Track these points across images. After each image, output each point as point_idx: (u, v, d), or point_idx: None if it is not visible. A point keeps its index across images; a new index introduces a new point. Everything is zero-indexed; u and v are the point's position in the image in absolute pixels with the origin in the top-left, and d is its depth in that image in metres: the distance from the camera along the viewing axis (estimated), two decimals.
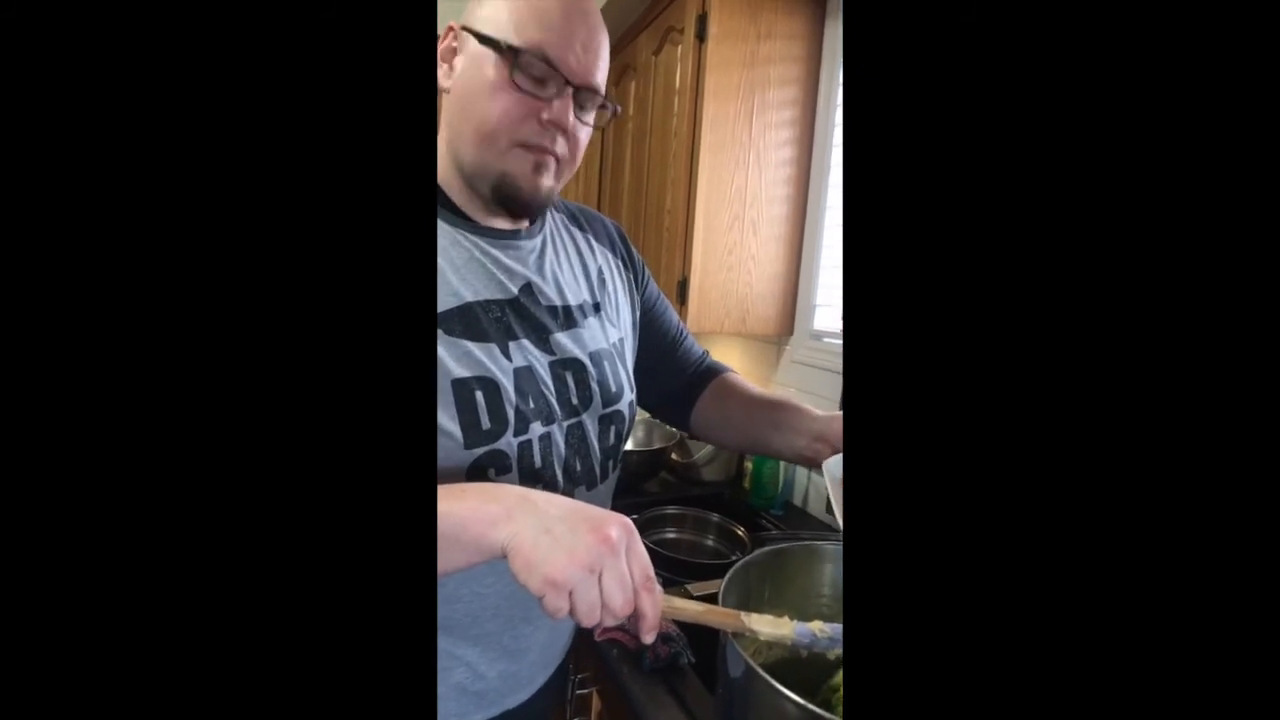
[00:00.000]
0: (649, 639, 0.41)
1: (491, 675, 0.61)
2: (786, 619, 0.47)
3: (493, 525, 0.41)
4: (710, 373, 0.79)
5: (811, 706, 0.37)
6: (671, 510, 1.22)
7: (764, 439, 0.71)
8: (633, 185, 1.48)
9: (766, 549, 0.60)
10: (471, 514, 0.42)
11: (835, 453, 0.60)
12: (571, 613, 0.39)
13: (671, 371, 0.78)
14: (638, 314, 0.74)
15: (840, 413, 0.66)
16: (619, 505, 1.13)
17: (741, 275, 1.28)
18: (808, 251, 1.32)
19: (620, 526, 0.40)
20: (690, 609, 0.45)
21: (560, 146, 0.55)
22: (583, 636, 0.81)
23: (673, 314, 0.80)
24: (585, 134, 0.57)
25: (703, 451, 1.38)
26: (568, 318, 0.62)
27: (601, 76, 0.56)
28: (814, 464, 0.65)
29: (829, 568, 0.62)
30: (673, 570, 0.99)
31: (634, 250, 0.76)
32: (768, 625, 0.46)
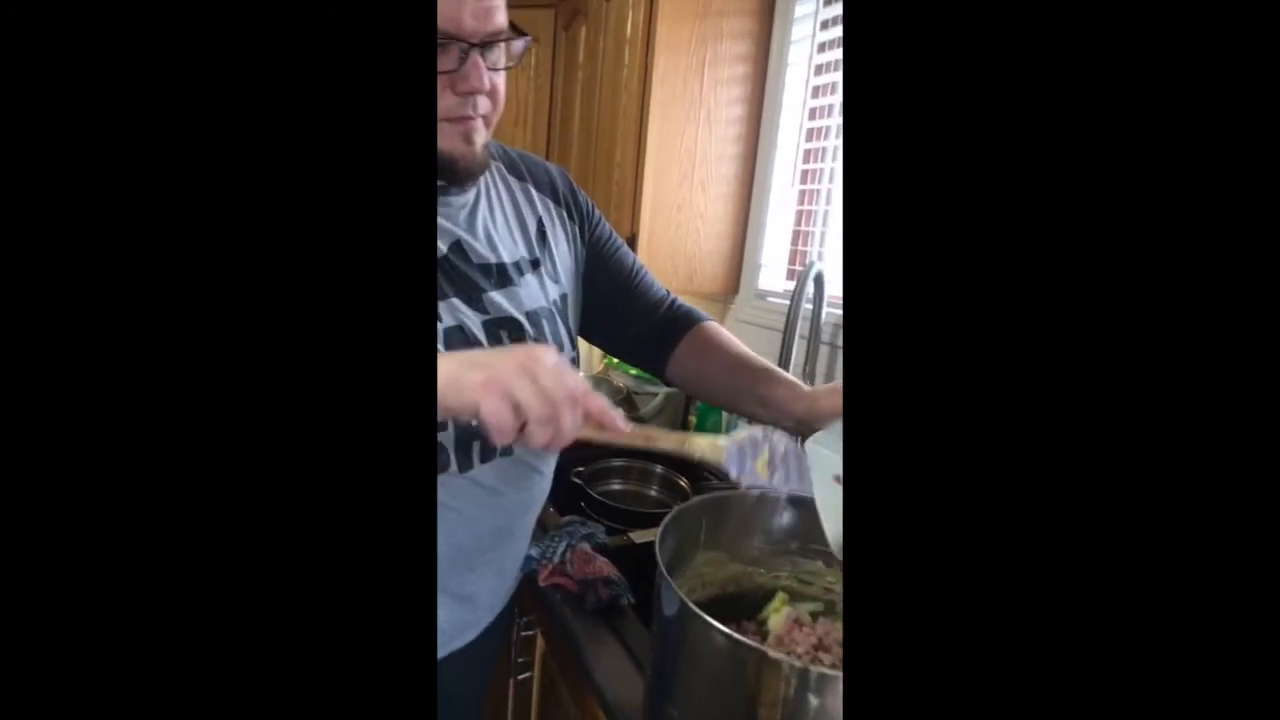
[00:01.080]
0: (557, 444, 0.44)
1: (440, 620, 0.63)
2: (720, 441, 0.51)
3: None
4: (686, 319, 0.76)
5: (739, 637, 0.41)
6: (617, 463, 1.25)
7: (748, 411, 0.70)
8: (582, 138, 1.45)
9: (702, 497, 0.63)
10: None
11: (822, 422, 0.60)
12: (499, 422, 0.40)
13: (637, 313, 0.76)
14: (582, 265, 0.73)
15: (828, 386, 0.65)
16: (566, 458, 1.15)
17: (690, 233, 1.29)
18: (755, 211, 1.34)
19: (547, 351, 0.43)
20: (619, 436, 0.48)
21: (483, 106, 0.54)
22: (528, 583, 0.84)
23: (628, 253, 0.77)
24: (503, 77, 0.56)
25: (649, 406, 1.41)
26: (502, 276, 0.62)
27: (501, 16, 0.53)
28: (797, 425, 0.65)
29: (762, 514, 0.66)
30: (617, 520, 1.03)
31: (580, 194, 0.74)
32: (706, 447, 0.50)
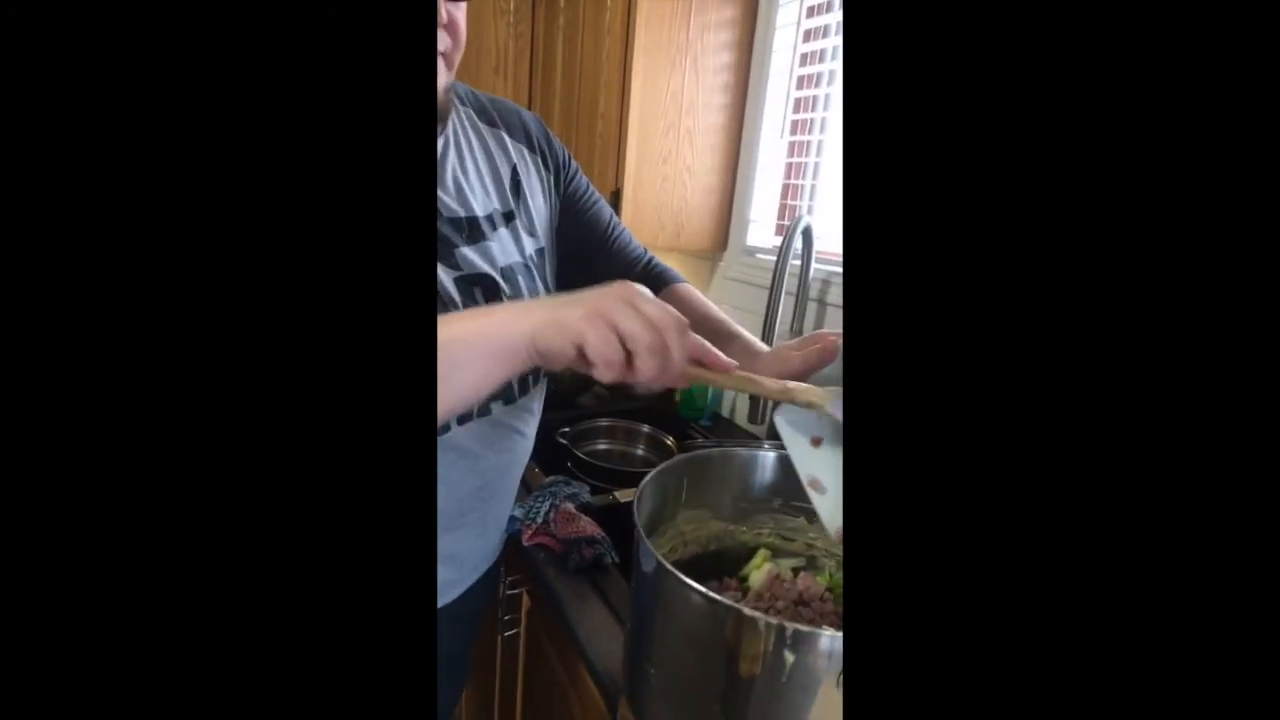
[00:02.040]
0: (676, 382, 0.41)
1: None
2: (828, 390, 0.47)
3: (510, 323, 0.41)
4: (659, 280, 0.72)
5: (714, 595, 0.40)
6: (603, 423, 1.24)
7: None
8: (565, 87, 1.40)
9: (682, 455, 0.62)
10: (487, 323, 0.41)
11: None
12: (607, 353, 0.38)
13: (612, 273, 0.71)
14: (556, 218, 0.70)
15: (776, 349, 0.60)
16: (552, 419, 1.14)
17: (676, 187, 1.25)
18: (743, 164, 1.30)
19: (638, 285, 0.40)
20: (728, 380, 0.45)
21: (442, 43, 0.50)
22: (513, 543, 0.84)
23: (605, 209, 0.74)
24: (462, 10, 0.51)
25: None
26: (474, 230, 0.59)
27: None
28: (759, 394, 0.62)
29: (744, 472, 0.65)
30: (603, 479, 1.02)
31: (555, 142, 0.70)
32: (814, 395, 0.47)
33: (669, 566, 0.42)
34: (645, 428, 1.23)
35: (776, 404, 0.53)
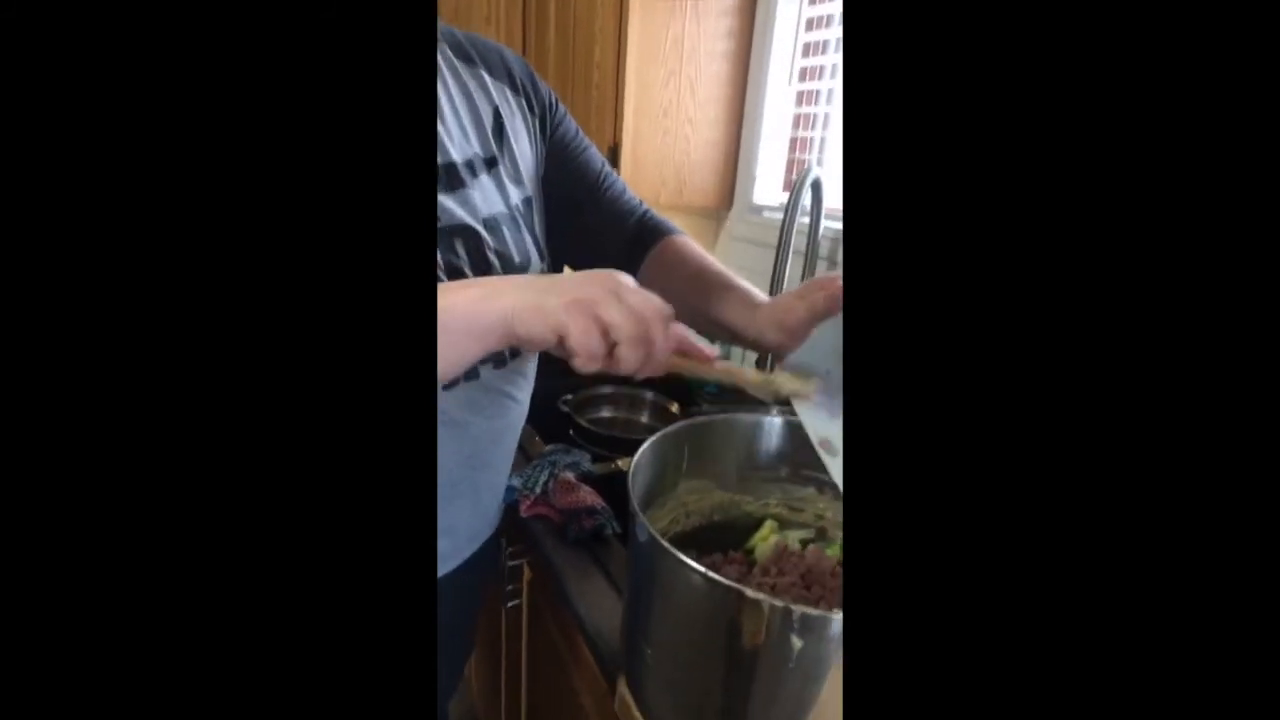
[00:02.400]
0: (656, 372, 0.41)
1: None
2: (812, 379, 0.46)
3: (487, 300, 0.39)
4: (655, 232, 0.66)
5: (713, 575, 0.36)
6: (605, 390, 1.21)
7: (712, 317, 0.58)
8: (558, 37, 1.32)
9: (683, 423, 0.58)
10: (463, 299, 0.40)
11: (793, 337, 0.50)
12: (589, 344, 0.37)
13: (604, 226, 0.66)
14: (543, 166, 0.64)
15: (778, 299, 0.54)
16: (552, 385, 1.11)
17: (678, 141, 1.19)
18: (749, 115, 1.23)
19: (623, 275, 0.39)
20: (709, 370, 0.44)
21: None
22: (512, 513, 0.81)
23: (596, 156, 0.68)
24: None
25: None
26: (452, 177, 0.54)
27: None
28: (760, 350, 0.58)
29: (749, 439, 0.61)
30: (606, 447, 0.99)
31: (541, 84, 0.64)
32: (791, 382, 0.46)
33: (664, 543, 0.38)
34: (649, 394, 1.19)
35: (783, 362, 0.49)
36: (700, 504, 0.62)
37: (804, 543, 0.61)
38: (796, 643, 0.35)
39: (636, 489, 0.49)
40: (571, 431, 1.05)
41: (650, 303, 0.38)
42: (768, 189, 1.26)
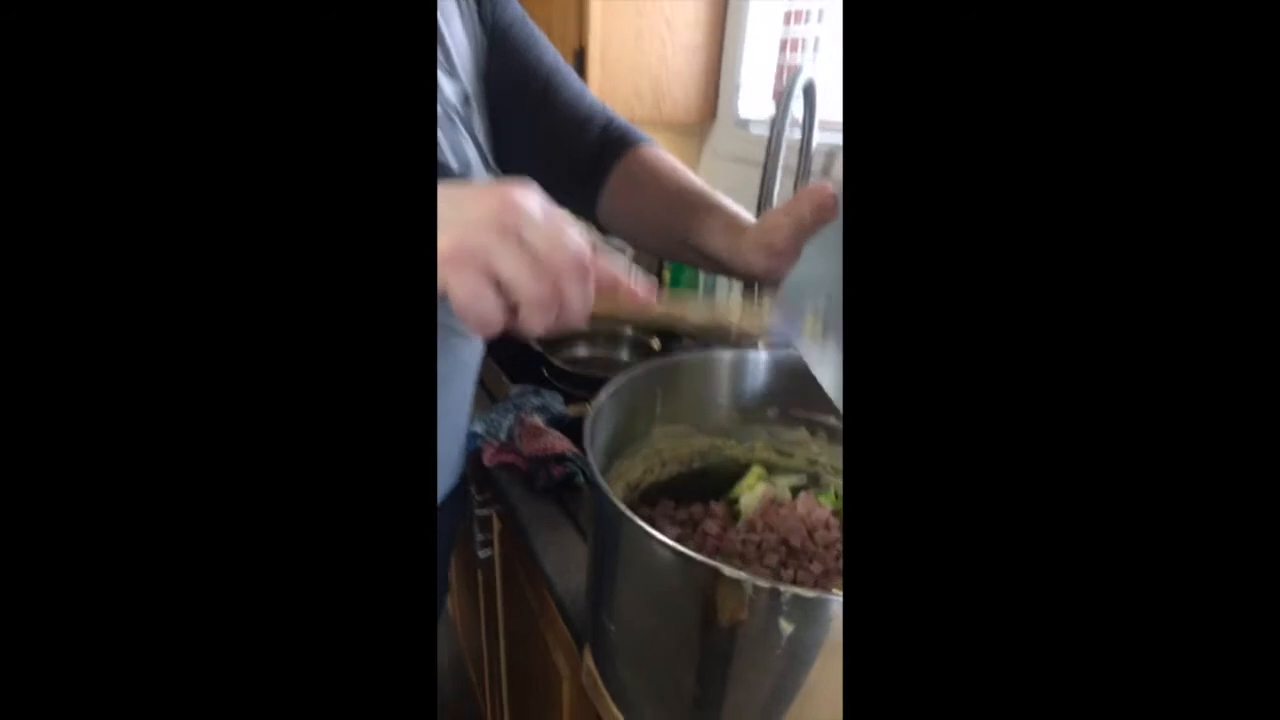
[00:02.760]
0: (570, 326, 0.32)
1: None
2: (765, 311, 0.39)
3: None
4: (621, 142, 0.56)
5: (684, 550, 0.29)
6: (582, 327, 1.12)
7: (693, 243, 0.50)
8: None
9: (653, 363, 0.50)
10: None
11: (782, 259, 0.42)
12: (480, 313, 0.29)
13: (559, 133, 0.55)
14: (483, 59, 0.54)
15: (765, 220, 0.45)
16: None
17: (654, 45, 1.05)
18: (733, 18, 1.09)
19: (526, 191, 0.30)
20: (642, 310, 0.36)
21: None
22: (478, 462, 0.75)
23: (548, 50, 0.56)
24: None
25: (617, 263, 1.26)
26: None
27: None
28: (749, 278, 0.48)
29: (733, 377, 0.54)
30: (585, 388, 0.92)
31: None
32: (751, 322, 0.39)
33: (624, 509, 0.31)
34: (628, 330, 1.11)
35: (774, 291, 0.41)
36: (678, 450, 0.55)
37: (794, 490, 0.55)
38: (786, 627, 0.29)
39: (597, 441, 0.42)
40: (545, 371, 0.98)
41: (562, 242, 0.29)
42: (755, 100, 1.14)
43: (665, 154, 0.56)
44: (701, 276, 1.20)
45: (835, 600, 0.28)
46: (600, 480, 0.34)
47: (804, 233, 0.40)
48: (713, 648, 0.32)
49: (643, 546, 0.32)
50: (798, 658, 0.30)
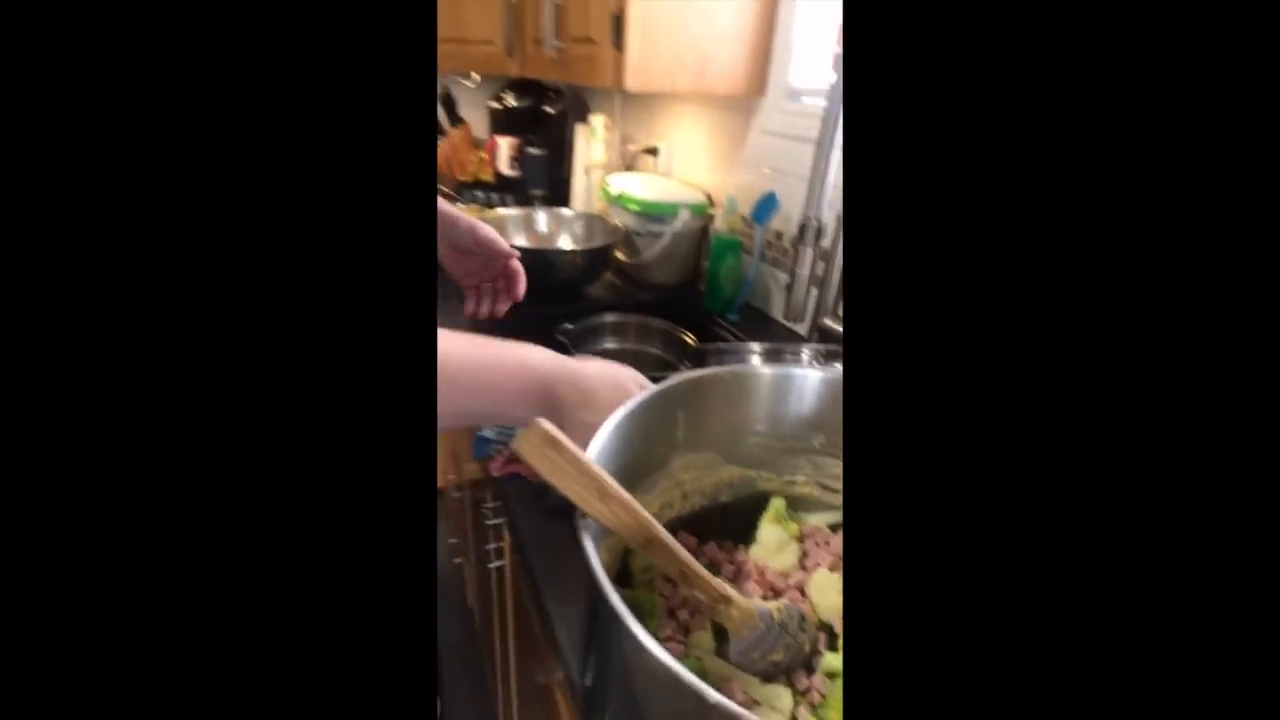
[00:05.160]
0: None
1: None
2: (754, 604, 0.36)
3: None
4: None
5: (683, 675, 0.21)
6: (610, 318, 1.04)
7: None
8: None
9: (683, 377, 0.42)
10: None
11: None
12: None
13: None
14: None
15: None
16: (551, 314, 0.95)
17: (698, 11, 0.95)
18: None
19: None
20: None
21: None
22: (485, 469, 0.68)
23: None
24: None
25: (653, 249, 1.17)
26: None
27: None
28: None
29: (771, 398, 0.45)
30: None
31: None
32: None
33: (634, 629, 0.23)
34: (660, 322, 1.03)
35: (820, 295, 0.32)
36: (703, 481, 0.47)
37: (833, 528, 0.47)
38: None
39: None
40: None
41: None
42: (810, 70, 1.02)
43: None
44: (743, 262, 1.10)
45: None
46: (595, 560, 0.26)
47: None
48: None
49: (647, 666, 0.24)
50: None
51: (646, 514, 0.31)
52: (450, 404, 0.36)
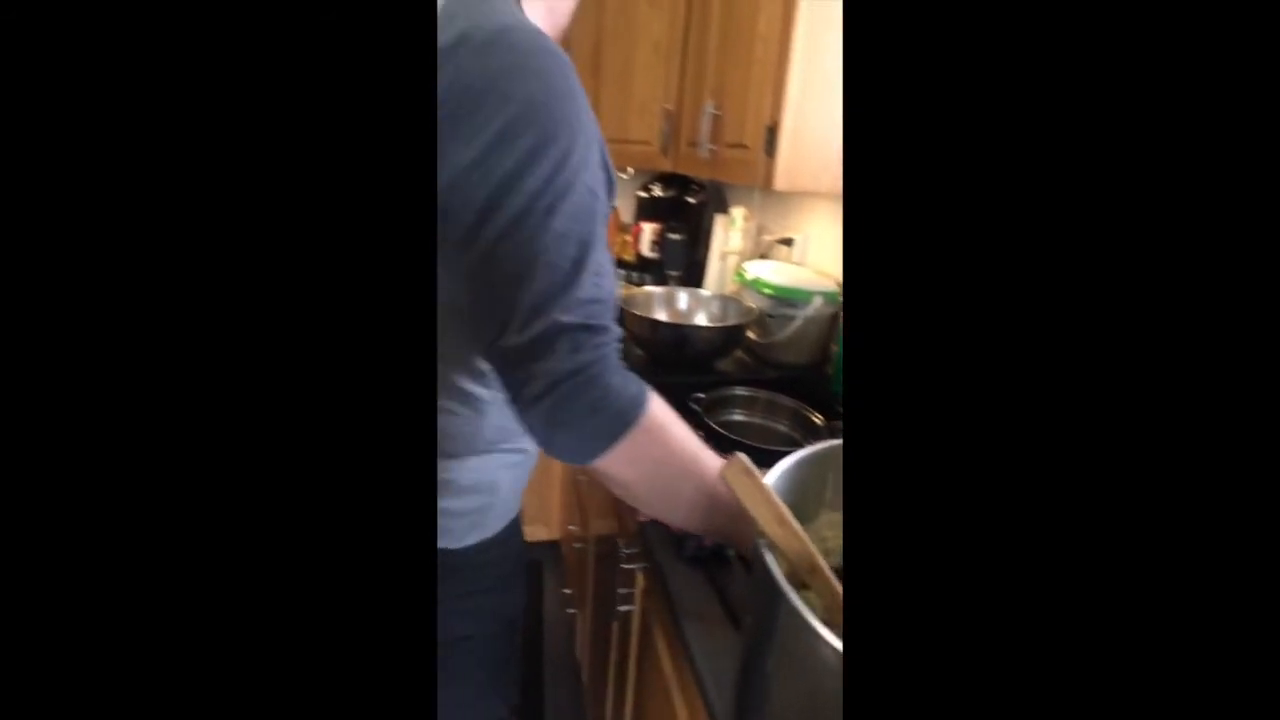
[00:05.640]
0: None
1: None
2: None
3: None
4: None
5: None
6: (741, 391, 1.12)
7: None
8: (723, 10, 1.24)
9: (835, 443, 0.48)
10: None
11: None
12: None
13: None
14: None
15: None
16: (685, 383, 1.04)
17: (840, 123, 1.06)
18: None
19: None
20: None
21: None
22: (631, 512, 0.76)
23: None
24: None
25: (785, 330, 1.24)
26: None
27: None
28: None
29: None
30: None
31: None
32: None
33: (798, 605, 0.30)
34: (790, 401, 1.09)
35: None
36: (841, 541, 0.52)
37: None
38: None
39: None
40: (701, 434, 0.98)
41: None
42: None
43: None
44: None
45: None
46: (770, 561, 0.33)
47: None
48: None
49: (802, 640, 0.30)
50: None
51: (812, 545, 0.38)
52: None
